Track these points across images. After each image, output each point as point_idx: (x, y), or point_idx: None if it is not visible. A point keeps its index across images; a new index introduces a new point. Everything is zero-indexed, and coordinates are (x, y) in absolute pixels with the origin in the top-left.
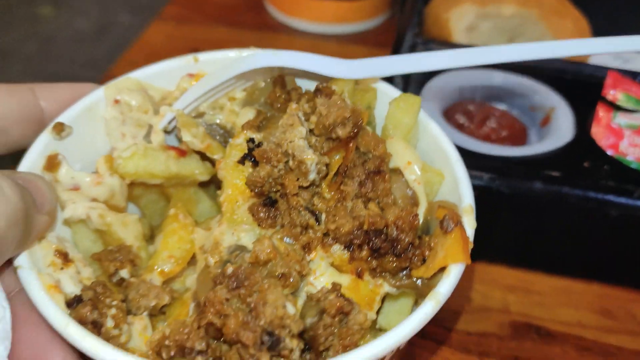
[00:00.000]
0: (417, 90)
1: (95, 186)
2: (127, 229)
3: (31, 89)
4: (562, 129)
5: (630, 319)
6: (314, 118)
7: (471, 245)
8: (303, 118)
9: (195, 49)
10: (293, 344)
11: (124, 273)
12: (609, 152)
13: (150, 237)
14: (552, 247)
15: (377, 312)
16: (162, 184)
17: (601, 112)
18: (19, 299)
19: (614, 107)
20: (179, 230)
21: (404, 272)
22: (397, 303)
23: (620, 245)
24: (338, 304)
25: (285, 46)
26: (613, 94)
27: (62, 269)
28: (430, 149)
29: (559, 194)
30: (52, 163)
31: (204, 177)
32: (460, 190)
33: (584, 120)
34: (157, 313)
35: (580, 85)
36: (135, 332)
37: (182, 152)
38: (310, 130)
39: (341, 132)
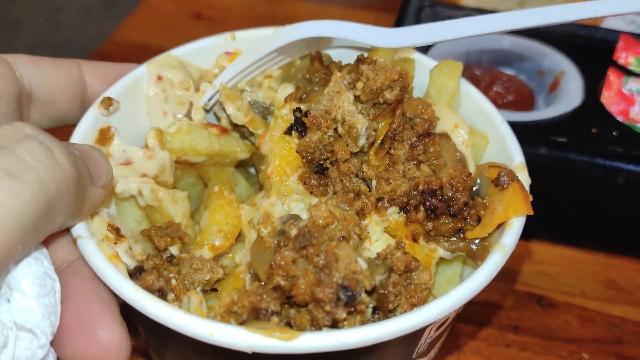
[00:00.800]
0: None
1: (148, 160)
2: (177, 206)
3: (77, 63)
4: (570, 94)
5: (635, 289)
6: (360, 84)
7: (531, 198)
8: (348, 86)
9: (198, 14)
10: (368, 299)
11: (174, 250)
12: (619, 119)
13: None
14: (557, 215)
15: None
16: (204, 162)
17: (612, 77)
18: (71, 270)
19: (626, 72)
20: (225, 206)
21: (458, 235)
22: (446, 272)
23: (627, 214)
24: (406, 261)
25: (290, 11)
26: (625, 57)
27: (115, 243)
28: (472, 113)
29: (565, 160)
30: (105, 136)
31: (245, 155)
32: (509, 149)
33: (594, 85)
34: (209, 289)
35: (591, 49)
36: (192, 307)
37: (223, 130)
38: (356, 98)
39: (389, 95)
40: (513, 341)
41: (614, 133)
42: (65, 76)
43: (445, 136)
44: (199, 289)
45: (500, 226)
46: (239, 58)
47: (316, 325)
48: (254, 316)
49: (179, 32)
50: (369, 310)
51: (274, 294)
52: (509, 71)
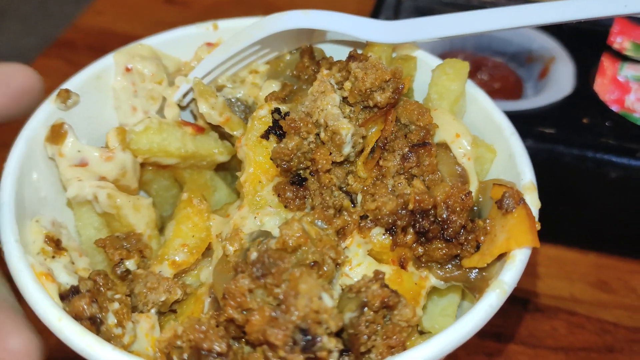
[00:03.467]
0: None
1: (106, 162)
2: (139, 214)
3: None
4: (561, 81)
5: (628, 292)
6: (348, 84)
7: (538, 226)
8: (336, 86)
9: None
10: (331, 344)
11: (130, 264)
12: (614, 108)
13: (160, 229)
14: (545, 212)
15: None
16: (177, 165)
17: (606, 63)
18: None
19: (621, 57)
20: (193, 216)
21: (453, 262)
22: (442, 301)
23: (620, 211)
24: (382, 295)
25: None
26: (620, 42)
27: (53, 257)
28: (479, 121)
29: (552, 152)
30: (57, 134)
31: (224, 157)
32: (518, 166)
33: (586, 72)
34: (166, 311)
35: (584, 33)
36: (141, 332)
37: (199, 129)
38: (344, 99)
39: (380, 97)
40: (495, 350)
41: (606, 124)
42: None
43: (444, 146)
44: (153, 310)
45: (502, 257)
46: (216, 50)
47: None
48: (195, 356)
49: (149, 17)
50: (335, 355)
51: (221, 331)
52: (496, 57)
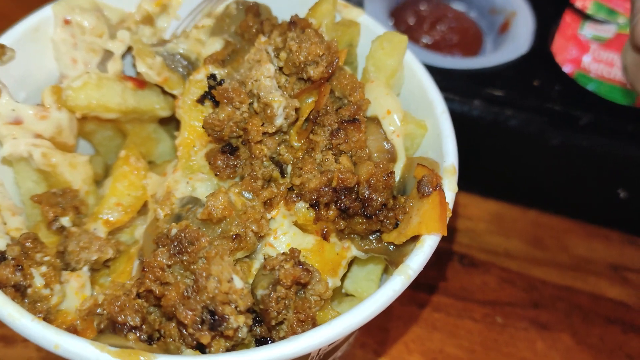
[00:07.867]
0: None
1: (40, 120)
2: (75, 171)
3: None
4: (519, 38)
5: (561, 250)
6: (283, 55)
7: (449, 214)
8: (273, 54)
9: None
10: (239, 322)
11: (65, 221)
12: (569, 67)
13: (104, 177)
14: (489, 170)
15: (343, 277)
16: (118, 119)
17: (568, 20)
18: None
19: (583, 16)
20: (129, 174)
21: (374, 236)
22: (367, 266)
23: (560, 174)
24: (294, 275)
25: None
26: (582, 0)
27: None
28: (414, 96)
29: (500, 115)
30: None
31: (165, 113)
32: (443, 147)
33: (545, 30)
34: (99, 267)
35: None
36: (71, 291)
37: (140, 84)
38: (281, 69)
39: (313, 71)
40: (426, 301)
41: (556, 87)
42: None
43: (375, 121)
44: (85, 268)
45: (416, 238)
46: None
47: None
48: (111, 327)
49: None
50: (243, 332)
51: (136, 305)
52: (460, 6)
